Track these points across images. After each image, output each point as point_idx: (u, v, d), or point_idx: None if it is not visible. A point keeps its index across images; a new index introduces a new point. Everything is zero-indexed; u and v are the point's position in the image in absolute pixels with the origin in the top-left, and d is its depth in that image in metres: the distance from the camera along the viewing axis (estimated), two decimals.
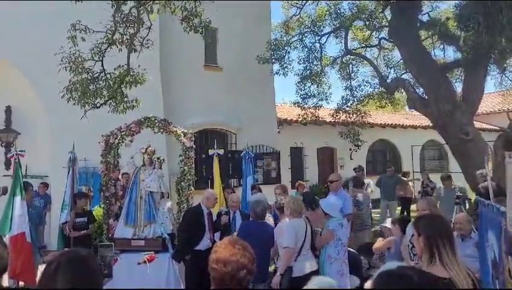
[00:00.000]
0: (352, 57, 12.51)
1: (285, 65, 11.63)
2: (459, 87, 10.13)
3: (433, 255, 1.98)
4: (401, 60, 11.38)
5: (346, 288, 4.13)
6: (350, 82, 12.57)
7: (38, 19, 8.37)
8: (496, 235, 2.56)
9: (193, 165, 6.09)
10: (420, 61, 9.13)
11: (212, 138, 10.12)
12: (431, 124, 10.66)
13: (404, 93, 11.25)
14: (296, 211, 4.24)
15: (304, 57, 11.94)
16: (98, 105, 5.57)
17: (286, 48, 11.73)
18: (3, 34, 8.24)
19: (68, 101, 5.39)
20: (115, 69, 5.56)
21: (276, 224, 4.89)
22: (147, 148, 5.69)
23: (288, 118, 13.32)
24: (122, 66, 5.55)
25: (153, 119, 6.00)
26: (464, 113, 8.48)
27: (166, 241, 5.40)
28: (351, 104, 12.38)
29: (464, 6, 7.74)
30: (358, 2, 11.64)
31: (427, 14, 11.32)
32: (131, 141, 5.97)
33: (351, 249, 5.03)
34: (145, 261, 5.01)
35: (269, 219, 5.11)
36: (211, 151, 7.40)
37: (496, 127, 16.74)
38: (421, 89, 10.03)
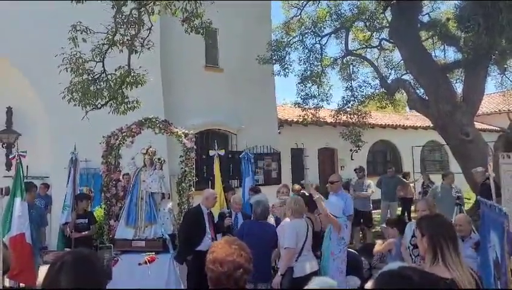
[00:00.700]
0: (352, 57, 12.53)
1: (285, 66, 11.64)
2: (459, 88, 10.15)
3: (436, 256, 1.99)
4: (402, 61, 11.39)
5: (346, 288, 4.14)
6: (351, 83, 12.59)
7: (39, 20, 8.38)
8: (498, 236, 2.56)
9: (194, 166, 6.10)
10: (420, 61, 9.14)
11: (213, 138, 10.12)
12: (431, 125, 10.67)
13: (404, 94, 11.27)
14: (297, 212, 4.26)
15: (304, 57, 11.96)
16: (98, 106, 5.58)
17: (287, 48, 11.74)
18: (3, 34, 8.25)
19: (69, 102, 5.40)
20: (115, 70, 5.57)
21: (277, 224, 4.89)
22: (147, 149, 5.70)
23: (289, 119, 13.32)
24: (123, 67, 5.56)
25: (154, 120, 6.01)
26: (464, 114, 8.49)
27: (167, 242, 5.40)
28: (351, 105, 12.39)
29: (464, 7, 7.75)
30: (358, 2, 11.65)
31: (427, 15, 11.34)
32: (132, 142, 5.98)
33: (352, 250, 5.04)
34: (145, 262, 5.01)
35: (270, 220, 5.12)
36: (211, 152, 7.41)
37: (496, 128, 16.72)
38: (422, 90, 10.04)
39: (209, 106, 10.63)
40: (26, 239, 4.79)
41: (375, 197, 9.17)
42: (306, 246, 4.16)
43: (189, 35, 5.94)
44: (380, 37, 12.55)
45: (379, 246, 4.74)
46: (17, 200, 4.80)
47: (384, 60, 13.20)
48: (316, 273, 4.01)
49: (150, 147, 5.73)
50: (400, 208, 10.21)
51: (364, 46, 13.18)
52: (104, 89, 5.50)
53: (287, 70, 11.65)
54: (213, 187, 6.89)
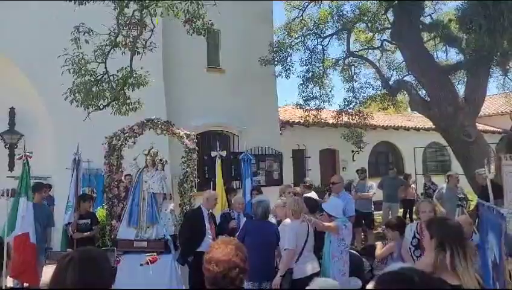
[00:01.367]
0: (354, 59, 12.52)
1: (287, 67, 11.66)
2: (461, 89, 10.13)
3: (444, 260, 1.97)
4: (404, 62, 11.37)
5: (347, 289, 4.13)
6: (352, 84, 12.59)
7: (41, 21, 8.43)
8: (496, 237, 2.56)
9: (195, 167, 6.11)
10: (422, 63, 9.13)
11: (215, 139, 10.15)
12: (433, 126, 10.64)
13: (406, 95, 11.24)
14: (297, 212, 4.25)
15: (306, 59, 11.97)
16: (101, 107, 5.60)
17: (288, 49, 11.75)
18: (6, 35, 8.30)
19: (71, 103, 5.42)
20: (118, 71, 5.59)
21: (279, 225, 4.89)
22: (149, 150, 5.72)
23: (291, 120, 13.33)
24: (125, 68, 5.58)
25: (156, 121, 6.03)
26: (467, 115, 8.46)
27: (168, 243, 5.41)
28: (353, 106, 12.38)
29: (466, 9, 7.74)
30: (360, 3, 11.65)
31: (429, 16, 11.32)
32: (134, 143, 6.00)
33: (353, 251, 5.03)
34: (147, 263, 5.03)
35: (271, 220, 5.12)
36: (213, 153, 7.42)
37: (498, 129, 16.69)
38: (424, 91, 10.02)
39: (210, 107, 10.65)
40: (30, 239, 4.81)
41: (376, 199, 9.15)
42: (307, 247, 4.16)
43: (191, 37, 5.95)
44: (381, 38, 12.55)
45: (379, 250, 4.73)
46: (22, 200, 4.83)
47: (386, 61, 13.19)
48: (316, 275, 4.00)
49: (152, 148, 5.75)
50: (401, 210, 10.20)
51: (366, 47, 13.18)
52: (106, 90, 5.52)
53: (288, 71, 11.67)
54: (215, 188, 6.90)
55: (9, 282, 4.65)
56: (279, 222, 5.10)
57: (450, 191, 7.47)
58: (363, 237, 8.70)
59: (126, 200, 5.89)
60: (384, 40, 12.32)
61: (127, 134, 5.93)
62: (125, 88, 5.55)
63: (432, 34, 10.84)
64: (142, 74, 5.61)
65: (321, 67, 12.05)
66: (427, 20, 10.92)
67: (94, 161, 7.64)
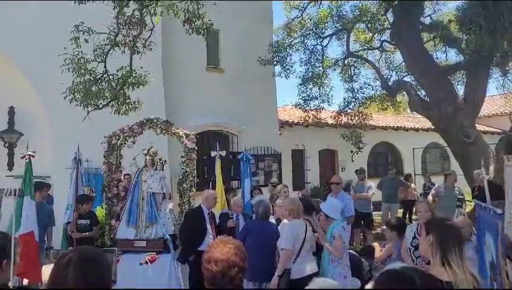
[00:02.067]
0: (354, 59, 12.53)
1: (287, 67, 11.66)
2: (461, 90, 10.14)
3: (439, 256, 2.00)
4: (403, 63, 11.39)
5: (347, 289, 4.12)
6: (352, 84, 12.59)
7: (41, 20, 8.41)
8: (493, 238, 2.57)
9: (195, 167, 6.11)
10: (422, 63, 9.14)
11: (214, 139, 10.15)
12: (433, 127, 10.66)
13: (406, 95, 11.26)
14: (295, 212, 4.24)
15: (305, 59, 11.98)
16: (100, 106, 5.59)
17: (288, 49, 11.76)
18: (5, 35, 8.28)
19: (71, 102, 5.41)
20: (117, 71, 5.59)
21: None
22: (149, 150, 5.71)
23: (290, 120, 13.33)
24: (125, 67, 5.58)
25: (155, 120, 6.02)
26: (466, 116, 8.48)
27: (167, 243, 5.41)
28: (352, 107, 12.39)
29: (466, 9, 7.75)
30: (360, 4, 11.66)
31: (429, 17, 11.34)
32: (134, 142, 5.99)
33: (352, 251, 5.03)
34: (146, 262, 5.03)
35: (271, 220, 5.12)
36: (213, 153, 7.42)
37: (497, 130, 16.71)
38: (423, 92, 10.04)
39: (210, 106, 10.64)
40: (35, 237, 4.83)
41: (376, 199, 9.16)
42: (305, 247, 4.14)
43: (190, 36, 5.95)
44: (381, 39, 12.57)
45: (379, 253, 4.73)
46: (27, 198, 4.84)
47: (386, 62, 13.20)
48: (315, 275, 3.99)
49: (151, 148, 5.75)
50: (401, 210, 10.20)
51: (365, 47, 13.19)
52: (106, 90, 5.52)
53: (288, 71, 11.67)
54: (214, 188, 6.90)
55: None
56: (277, 221, 5.11)
57: (447, 190, 7.46)
58: (362, 237, 8.70)
59: (125, 199, 5.89)
60: (384, 40, 12.34)
61: (127, 133, 5.93)
62: (124, 88, 5.54)
63: (432, 35, 10.85)
64: (141, 74, 5.61)
65: (321, 68, 12.06)
66: (427, 20, 10.95)
67: (93, 160, 7.62)
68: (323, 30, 12.08)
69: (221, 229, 5.24)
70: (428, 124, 12.80)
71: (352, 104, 12.37)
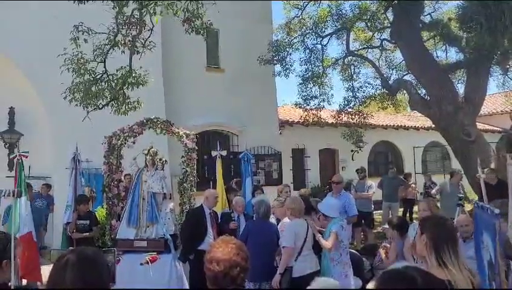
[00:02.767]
0: (354, 58, 12.51)
1: (286, 66, 11.64)
2: (461, 89, 10.12)
3: (434, 256, 2.00)
4: (403, 61, 11.37)
5: (349, 289, 4.12)
6: (352, 83, 12.58)
7: (41, 20, 8.41)
8: (491, 237, 2.57)
9: (195, 166, 6.10)
10: (422, 62, 9.13)
11: (214, 139, 10.14)
12: (433, 126, 10.65)
13: (406, 94, 11.24)
14: (296, 211, 4.25)
15: (305, 58, 11.96)
16: (100, 106, 5.59)
17: (288, 49, 11.74)
18: (6, 35, 8.28)
19: (70, 102, 5.40)
20: (117, 71, 5.58)
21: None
22: (149, 150, 5.70)
23: (290, 119, 13.32)
24: (125, 67, 5.57)
25: (155, 120, 6.02)
26: (466, 115, 8.46)
27: (168, 242, 5.40)
28: (352, 106, 12.37)
29: (466, 7, 7.73)
30: (360, 3, 11.64)
31: (429, 15, 11.32)
32: (134, 142, 5.98)
33: (353, 251, 5.02)
34: (147, 262, 5.02)
35: (271, 220, 5.12)
36: (213, 153, 7.41)
37: (498, 129, 16.68)
38: (423, 90, 10.02)
39: (210, 106, 10.64)
40: (33, 237, 4.82)
41: (376, 198, 9.15)
42: (306, 246, 4.15)
43: (190, 36, 5.94)
44: (381, 38, 12.53)
45: (384, 256, 4.72)
46: (23, 199, 4.82)
47: (386, 61, 13.17)
48: (316, 274, 4.00)
49: (152, 148, 5.74)
50: (401, 209, 10.19)
51: (365, 46, 13.17)
52: (106, 90, 5.51)
53: (288, 70, 11.65)
54: (215, 188, 6.89)
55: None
56: (277, 221, 5.10)
57: (452, 188, 7.52)
58: (362, 236, 8.69)
59: (126, 199, 5.88)
60: (384, 39, 12.31)
61: (127, 133, 5.92)
62: (124, 87, 5.53)
63: (432, 33, 10.83)
64: (141, 74, 5.60)
65: (320, 67, 12.04)
66: (427, 19, 10.92)
67: (94, 160, 7.62)
68: (323, 29, 12.06)
69: (222, 230, 5.23)
70: (428, 122, 12.79)
71: (352, 103, 12.36)
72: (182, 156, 6.03)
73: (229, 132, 11.49)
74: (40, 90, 8.60)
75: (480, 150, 8.08)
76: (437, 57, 11.32)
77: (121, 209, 5.89)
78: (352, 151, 13.87)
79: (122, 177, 6.30)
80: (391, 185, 9.54)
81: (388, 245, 4.57)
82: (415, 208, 9.96)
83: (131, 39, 5.33)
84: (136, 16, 5.20)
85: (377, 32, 12.42)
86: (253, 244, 3.94)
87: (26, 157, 5.04)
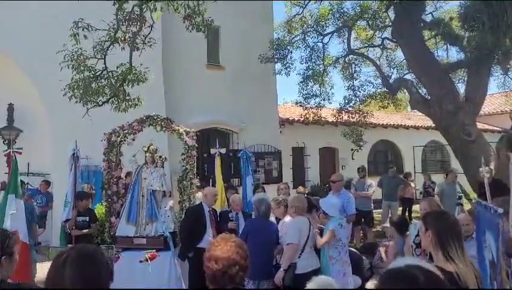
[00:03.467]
0: (354, 56, 12.49)
1: (287, 64, 11.63)
2: (462, 88, 10.10)
3: (440, 251, 2.01)
4: (404, 60, 11.35)
5: (347, 288, 4.11)
6: (352, 82, 12.56)
7: (40, 17, 8.38)
8: (494, 237, 2.55)
9: (195, 164, 6.09)
10: (423, 61, 9.10)
11: (214, 137, 10.12)
12: (433, 125, 10.64)
13: (406, 93, 11.22)
14: (299, 209, 4.26)
15: (306, 56, 11.94)
16: (100, 103, 5.57)
17: (288, 47, 11.72)
18: (5, 31, 8.25)
19: (70, 99, 5.39)
20: (117, 67, 5.56)
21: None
22: (149, 147, 5.69)
23: (290, 118, 13.30)
24: (125, 64, 5.54)
25: (155, 117, 5.99)
26: (467, 114, 8.44)
27: (167, 240, 5.39)
28: (353, 104, 12.36)
29: (469, 6, 7.71)
30: (361, 1, 11.61)
31: (430, 14, 11.29)
32: (134, 140, 5.97)
33: (353, 249, 5.02)
34: (146, 259, 5.01)
35: (271, 218, 5.11)
36: (212, 151, 7.40)
37: (498, 128, 16.68)
38: (424, 90, 10.00)
39: (210, 104, 10.62)
40: (20, 237, 4.71)
41: (376, 197, 9.15)
42: (308, 243, 4.17)
43: (190, 33, 5.92)
44: (382, 36, 12.50)
45: (384, 255, 4.71)
46: (11, 197, 4.74)
47: (387, 59, 13.15)
48: (317, 271, 4.01)
49: (151, 145, 5.72)
50: (400, 208, 10.20)
51: (366, 45, 13.14)
52: (106, 86, 5.49)
53: (288, 69, 11.64)
54: (214, 185, 6.88)
55: None
56: (277, 220, 5.09)
57: (449, 187, 7.54)
58: (362, 235, 8.70)
59: (125, 197, 5.87)
60: (385, 38, 12.29)
61: (126, 131, 5.90)
62: (124, 84, 5.51)
63: (433, 32, 10.80)
64: (141, 70, 5.58)
65: (321, 65, 12.02)
66: (428, 18, 10.89)
67: (93, 157, 7.60)
68: (324, 27, 12.03)
69: (221, 230, 5.22)
70: (428, 122, 12.78)
71: (353, 101, 12.35)
72: (182, 154, 6.02)
73: (229, 130, 11.48)
74: (39, 87, 8.58)
75: (481, 149, 8.07)
76: (438, 56, 11.30)
77: (120, 206, 5.88)
78: (352, 150, 13.86)
79: (123, 175, 6.28)
80: (391, 184, 9.54)
81: (388, 243, 4.57)
82: (414, 207, 9.97)
83: (131, 36, 5.31)
84: (136, 12, 5.18)
85: (378, 31, 12.39)
86: (253, 243, 3.93)
87: (20, 153, 5.00)
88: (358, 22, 12.12)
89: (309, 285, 2.23)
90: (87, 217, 5.81)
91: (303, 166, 13.71)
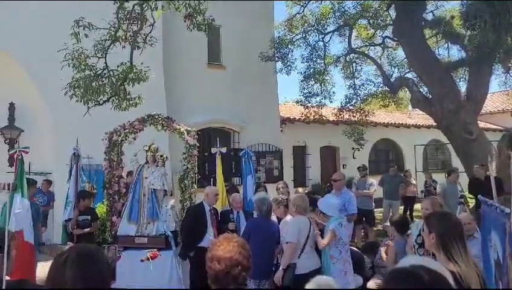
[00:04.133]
0: (355, 55, 12.48)
1: (288, 63, 11.62)
2: (463, 87, 10.09)
3: (443, 252, 2.01)
4: (405, 59, 11.34)
5: (348, 287, 4.10)
6: (353, 81, 12.55)
7: (41, 15, 8.38)
8: (500, 237, 2.54)
9: (196, 163, 6.08)
10: (424, 60, 9.09)
11: (215, 136, 10.12)
12: (434, 124, 10.63)
13: (407, 92, 11.22)
14: (301, 208, 4.25)
15: (307, 55, 11.93)
16: (101, 102, 5.56)
17: (289, 46, 11.70)
18: (5, 30, 8.25)
19: (71, 98, 5.37)
20: (118, 66, 5.54)
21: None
22: (150, 146, 5.68)
23: (291, 117, 13.29)
24: (126, 63, 5.53)
25: (156, 116, 5.99)
26: (468, 113, 8.43)
27: (169, 239, 5.39)
28: (354, 103, 12.34)
29: (470, 5, 7.69)
30: (362, 0, 11.59)
31: (431, 13, 11.27)
32: (135, 139, 5.96)
33: (354, 248, 5.01)
34: (148, 258, 5.01)
35: (272, 217, 5.10)
36: (213, 150, 7.39)
37: (499, 127, 16.66)
38: (425, 88, 9.99)
39: (211, 103, 10.61)
40: (24, 237, 4.70)
41: (377, 196, 9.14)
42: (308, 243, 4.15)
43: (191, 32, 5.90)
44: (383, 35, 12.50)
45: (385, 255, 4.70)
46: (17, 196, 4.74)
47: (388, 58, 13.15)
48: (318, 271, 4.00)
49: (153, 144, 5.71)
50: (401, 207, 10.19)
51: (367, 44, 13.13)
52: (106, 85, 5.47)
53: (289, 68, 11.62)
54: (215, 184, 6.87)
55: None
56: (278, 219, 5.08)
57: (451, 186, 7.52)
58: (363, 234, 8.69)
59: (126, 196, 5.87)
60: (386, 36, 12.28)
61: (127, 130, 5.89)
62: (125, 83, 5.50)
63: (434, 31, 10.78)
64: (142, 69, 5.57)
65: (322, 64, 12.01)
66: (429, 16, 10.88)
67: (94, 156, 7.60)
68: (325, 26, 12.02)
69: (221, 231, 5.21)
70: (429, 121, 12.76)
71: (354, 100, 12.34)
72: (183, 153, 6.01)
73: (230, 129, 11.47)
74: (40, 86, 8.57)
75: (482, 148, 8.07)
76: (439, 55, 11.31)
77: (121, 205, 5.88)
78: (353, 149, 13.85)
79: (124, 174, 6.28)
80: (392, 183, 9.53)
81: (389, 242, 4.57)
82: (416, 206, 9.96)
83: (132, 34, 5.30)
84: (137, 11, 5.16)
85: (379, 30, 12.38)
86: (255, 242, 3.92)
87: (27, 153, 4.99)
88: (359, 20, 12.10)
89: (308, 285, 2.22)
90: (88, 216, 5.82)
91: (304, 165, 13.70)
